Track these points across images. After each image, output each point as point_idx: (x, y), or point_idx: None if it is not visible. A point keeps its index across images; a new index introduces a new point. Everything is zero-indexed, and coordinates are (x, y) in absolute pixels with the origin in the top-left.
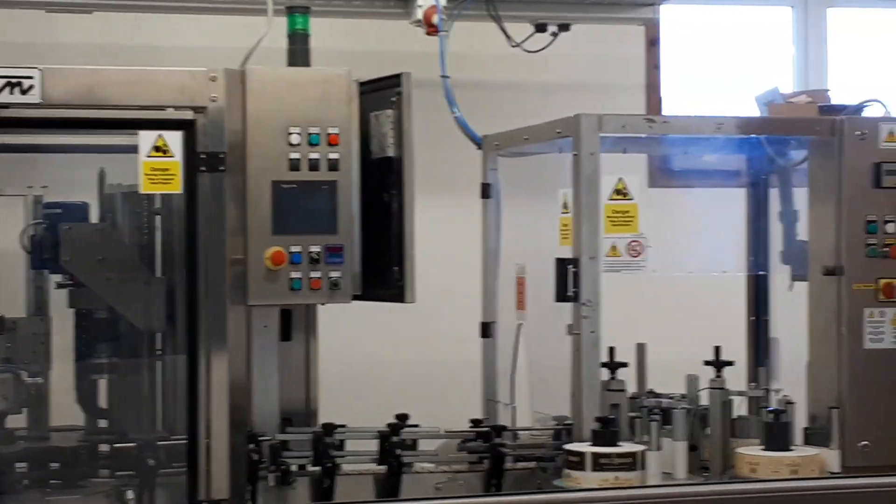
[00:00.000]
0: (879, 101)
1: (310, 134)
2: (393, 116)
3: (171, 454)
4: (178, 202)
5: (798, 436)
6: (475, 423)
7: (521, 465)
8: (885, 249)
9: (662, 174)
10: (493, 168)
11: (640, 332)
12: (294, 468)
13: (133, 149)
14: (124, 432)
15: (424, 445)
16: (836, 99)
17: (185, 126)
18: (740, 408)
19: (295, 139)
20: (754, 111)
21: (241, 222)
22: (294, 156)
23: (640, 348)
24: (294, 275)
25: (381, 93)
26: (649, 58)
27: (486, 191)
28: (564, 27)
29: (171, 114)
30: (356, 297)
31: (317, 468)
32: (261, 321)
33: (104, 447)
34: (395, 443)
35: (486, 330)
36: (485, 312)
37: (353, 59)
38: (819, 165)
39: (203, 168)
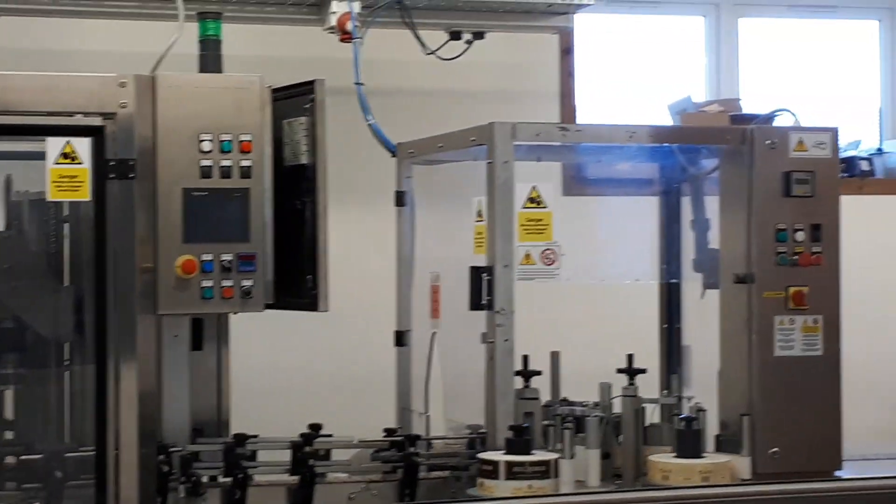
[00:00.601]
0: (789, 111)
1: (222, 141)
2: (306, 123)
3: (79, 466)
4: (86, 210)
5: (710, 443)
6: (389, 432)
7: (434, 474)
8: (794, 258)
9: (577, 182)
10: (407, 176)
11: (555, 340)
12: (205, 479)
13: (41, 155)
14: (31, 444)
15: (338, 455)
16: (747, 108)
17: (94, 132)
18: (653, 415)
19: (206, 146)
20: (667, 120)
21: (151, 230)
22: (205, 163)
23: (554, 356)
24: (205, 283)
25: (294, 100)
26: (563, 66)
27: (400, 199)
28: (479, 35)
29: (79, 120)
30: (269, 306)
31: (228, 479)
32: (171, 330)
33: (10, 459)
34: (307, 453)
35: (401, 338)
36: (399, 321)
37: (267, 65)
38: (730, 174)
39: (112, 175)
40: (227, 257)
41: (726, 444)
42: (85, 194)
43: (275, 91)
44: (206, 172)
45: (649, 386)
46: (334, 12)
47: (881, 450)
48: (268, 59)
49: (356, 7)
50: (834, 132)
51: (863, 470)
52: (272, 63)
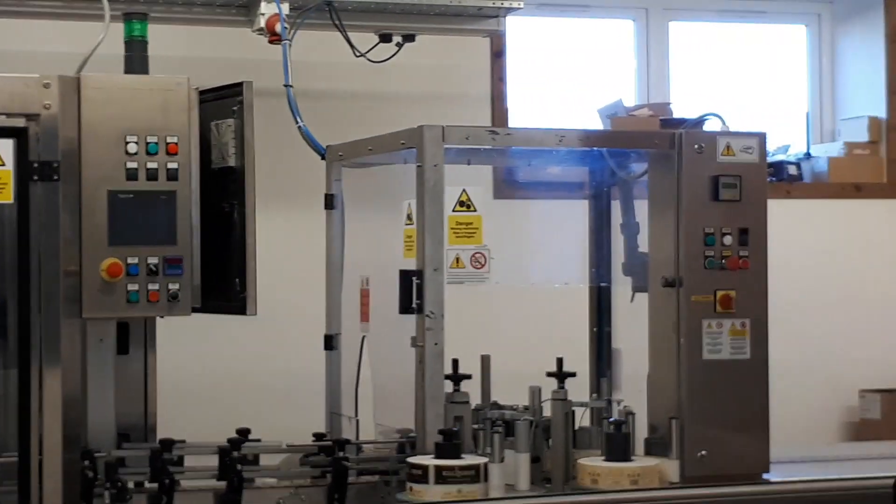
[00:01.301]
0: (718, 116)
1: (148, 143)
2: (234, 126)
3: (2, 471)
4: (10, 212)
5: (639, 446)
6: (318, 436)
7: (364, 478)
8: (722, 261)
9: (507, 186)
10: (337, 179)
11: (485, 343)
12: (130, 485)
13: None
14: None
15: (266, 460)
16: (678, 112)
17: (17, 134)
18: (583, 419)
19: (132, 148)
20: (598, 123)
21: (75, 233)
22: (131, 165)
23: (485, 360)
24: (131, 287)
25: (222, 101)
26: (494, 69)
27: (329, 202)
28: (409, 37)
29: (2, 121)
30: (196, 310)
31: (154, 485)
32: (97, 334)
33: None
34: (235, 458)
35: (330, 342)
36: (328, 325)
37: (195, 67)
38: (659, 178)
39: (36, 177)
40: (153, 260)
41: (655, 447)
42: (8, 196)
43: (202, 93)
44: (131, 175)
45: (580, 389)
46: (263, 14)
47: (808, 452)
48: (196, 60)
49: (285, 9)
50: (761, 137)
51: (790, 472)
52: (200, 64)
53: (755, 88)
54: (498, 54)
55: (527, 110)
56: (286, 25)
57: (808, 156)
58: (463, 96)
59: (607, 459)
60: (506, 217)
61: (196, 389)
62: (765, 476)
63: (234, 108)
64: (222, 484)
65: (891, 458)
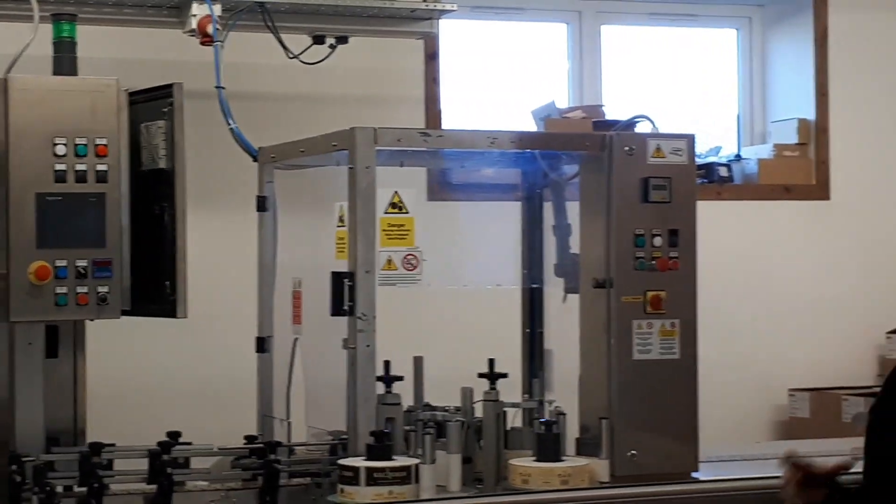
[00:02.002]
0: (648, 118)
1: (76, 145)
2: (164, 127)
3: None
4: None
5: (571, 446)
6: (249, 439)
7: (295, 480)
8: (652, 262)
9: (441, 188)
10: (269, 181)
11: (418, 345)
12: (59, 489)
13: None
14: None
15: (197, 463)
16: (611, 114)
17: None
18: (515, 420)
19: (61, 150)
20: (532, 125)
21: (2, 236)
22: (60, 167)
23: (417, 361)
24: (59, 290)
25: (152, 103)
26: (428, 71)
27: (261, 204)
28: (342, 39)
29: None
30: (126, 313)
31: (83, 489)
32: (24, 338)
33: None
34: (165, 461)
35: (262, 345)
36: (260, 327)
37: (127, 68)
38: (590, 180)
39: None
40: (82, 263)
41: (586, 447)
42: None
43: (132, 94)
44: (60, 177)
45: (512, 390)
46: (195, 15)
47: (737, 451)
48: (127, 62)
49: (217, 10)
50: (690, 139)
51: (719, 471)
52: (132, 66)
53: (687, 91)
54: (431, 56)
55: (461, 112)
56: (218, 27)
57: (738, 158)
58: (397, 98)
59: (538, 460)
60: (439, 219)
61: (127, 393)
62: (694, 475)
63: (165, 109)
64: (152, 487)
65: (819, 456)
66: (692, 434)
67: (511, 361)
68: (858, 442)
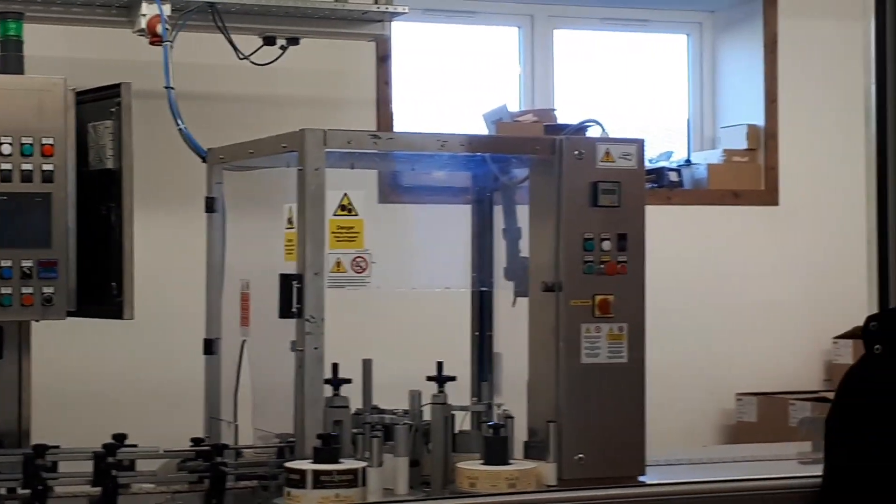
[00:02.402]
0: (598, 122)
1: (22, 144)
2: (112, 127)
3: None
4: None
5: (519, 450)
6: (196, 441)
7: (242, 483)
8: (601, 266)
9: (393, 190)
10: (218, 182)
11: (367, 348)
12: (3, 491)
13: None
14: None
15: (144, 466)
16: (563, 118)
17: None
18: (464, 423)
19: (6, 149)
20: (483, 129)
21: None
22: (5, 166)
23: (366, 364)
24: (4, 290)
25: (100, 103)
26: (380, 74)
27: (210, 205)
28: (293, 41)
29: None
30: (71, 314)
31: (27, 491)
32: None
33: None
34: (110, 463)
35: (209, 347)
36: (208, 329)
37: (75, 67)
38: (539, 184)
39: None
40: (27, 263)
41: (534, 450)
42: None
43: (80, 94)
44: (5, 176)
45: (461, 393)
46: (144, 14)
47: (684, 455)
48: (76, 61)
49: (167, 10)
50: (640, 143)
51: (665, 475)
52: (80, 65)
53: (639, 96)
54: (383, 59)
55: (414, 115)
56: (167, 27)
57: (688, 163)
58: (348, 100)
59: (486, 463)
60: (389, 221)
61: (72, 394)
62: (640, 478)
63: (112, 109)
64: (97, 490)
65: (765, 460)
66: (639, 438)
67: (460, 364)
68: (804, 447)
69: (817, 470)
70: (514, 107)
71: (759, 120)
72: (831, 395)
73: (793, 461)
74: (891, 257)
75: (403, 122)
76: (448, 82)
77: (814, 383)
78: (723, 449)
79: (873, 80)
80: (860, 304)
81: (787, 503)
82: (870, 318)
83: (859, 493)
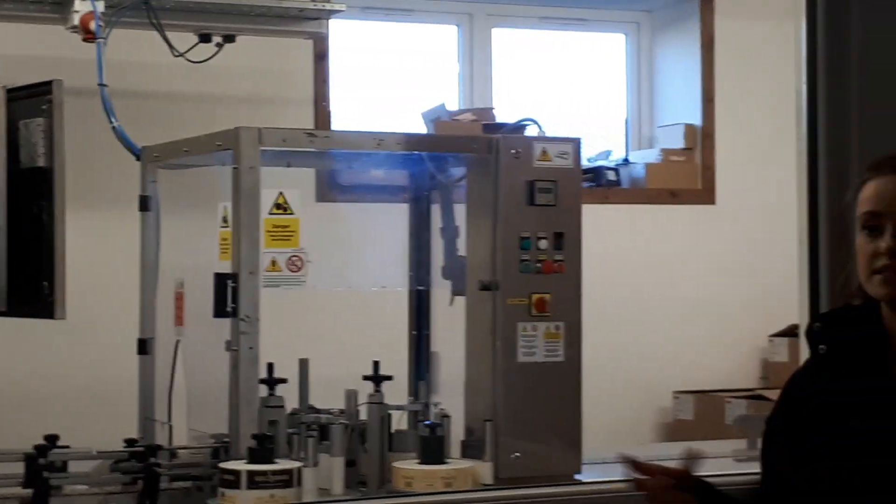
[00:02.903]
0: (534, 121)
1: None
2: (43, 125)
3: None
4: None
5: (457, 449)
6: (129, 442)
7: (177, 484)
8: (538, 265)
9: (331, 189)
10: (152, 180)
11: (304, 347)
12: None
13: None
14: None
15: (77, 467)
16: (501, 117)
17: None
18: (401, 422)
19: None
20: (422, 127)
21: None
22: None
23: (303, 364)
24: None
25: (31, 100)
26: (318, 72)
27: (144, 203)
28: (229, 38)
29: None
30: (2, 314)
31: None
32: None
33: None
34: (42, 465)
35: (144, 346)
36: (142, 328)
37: (7, 64)
38: (476, 182)
39: None
40: None
41: (471, 449)
42: None
43: (10, 91)
44: None
45: (399, 393)
46: (77, 11)
47: (620, 453)
48: (7, 57)
49: (100, 6)
50: (576, 142)
51: (601, 473)
52: (12, 62)
53: (578, 95)
54: (321, 57)
55: (352, 114)
56: (101, 23)
57: (626, 162)
58: (286, 99)
59: (422, 462)
60: (327, 220)
61: (3, 395)
62: (577, 477)
63: (44, 106)
64: (28, 492)
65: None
66: (576, 436)
67: (398, 364)
68: (740, 444)
69: (752, 467)
70: (452, 105)
71: (696, 119)
72: (767, 393)
73: (728, 459)
74: (821, 257)
75: (342, 120)
76: (387, 81)
77: (750, 381)
78: (659, 447)
79: (804, 80)
80: (795, 303)
81: None
82: (814, 319)
83: (802, 494)
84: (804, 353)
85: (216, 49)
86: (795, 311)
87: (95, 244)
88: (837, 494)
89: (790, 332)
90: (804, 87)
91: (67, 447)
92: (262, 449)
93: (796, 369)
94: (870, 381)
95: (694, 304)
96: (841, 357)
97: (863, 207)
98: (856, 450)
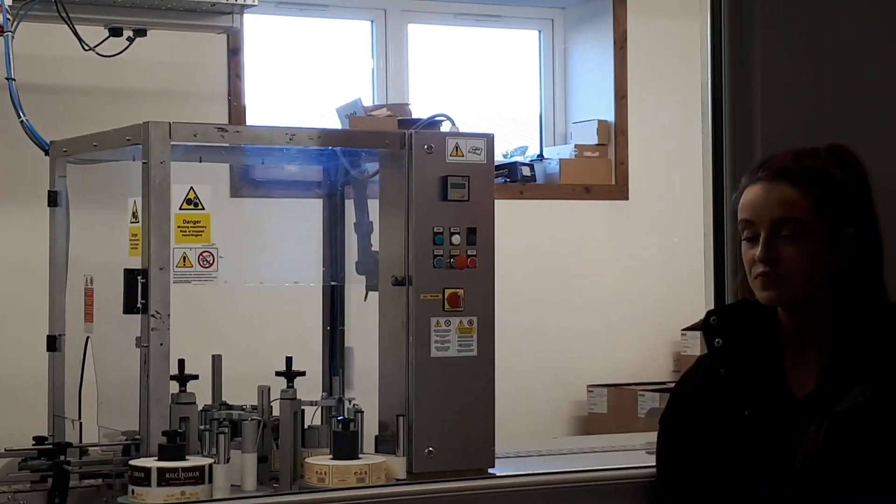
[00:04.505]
0: (447, 117)
1: None
2: None
3: None
4: None
5: (371, 444)
6: (38, 440)
7: (86, 482)
8: (451, 260)
9: (245, 184)
10: (61, 175)
11: (218, 343)
12: None
13: None
14: None
15: None
16: (417, 113)
17: None
18: (315, 418)
19: None
20: (337, 123)
21: None
22: None
23: (216, 360)
24: None
25: None
26: (231, 67)
27: (53, 198)
28: (140, 32)
29: None
30: None
31: None
32: None
33: None
34: None
35: (53, 343)
36: (51, 325)
37: None
38: (390, 178)
39: None
40: None
41: (385, 444)
42: None
43: None
44: None
45: (313, 388)
46: None
47: (533, 447)
48: None
49: None
50: (489, 138)
51: (515, 467)
52: None
53: (492, 91)
54: (235, 51)
55: (267, 109)
56: (9, 17)
57: (540, 157)
58: (199, 94)
59: (335, 458)
60: (240, 215)
61: None
62: (491, 471)
63: None
64: None
65: (614, 451)
66: (489, 430)
67: (312, 359)
68: (652, 436)
69: None
70: (368, 101)
71: (610, 116)
72: None
73: (640, 451)
74: (727, 252)
75: (256, 116)
76: (302, 76)
77: (663, 374)
78: (573, 440)
79: (709, 76)
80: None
81: (634, 492)
82: (709, 313)
83: (699, 487)
84: None
85: (127, 43)
86: (704, 305)
87: (3, 239)
88: (734, 485)
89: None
90: (709, 84)
91: None
92: (173, 446)
93: (686, 370)
94: (763, 373)
95: (607, 298)
96: (736, 350)
97: (740, 215)
98: (749, 440)
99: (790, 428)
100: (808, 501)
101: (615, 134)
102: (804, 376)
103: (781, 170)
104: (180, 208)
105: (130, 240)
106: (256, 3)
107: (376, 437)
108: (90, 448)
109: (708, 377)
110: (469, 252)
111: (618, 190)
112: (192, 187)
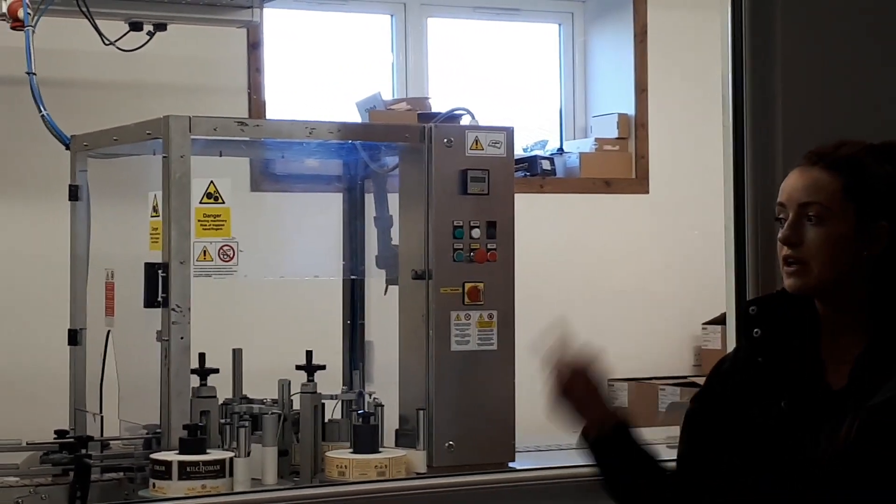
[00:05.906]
0: (467, 110)
1: None
2: None
3: None
4: None
5: (391, 438)
6: (60, 434)
7: (108, 475)
8: (470, 254)
9: (265, 178)
10: (82, 169)
11: (238, 337)
12: None
13: None
14: None
15: (6, 459)
16: (437, 107)
17: None
18: (336, 412)
19: None
20: (357, 117)
21: None
22: None
23: (236, 353)
24: None
25: None
26: (252, 61)
27: (74, 193)
28: (161, 27)
29: None
30: None
31: None
32: None
33: None
34: None
35: (74, 337)
36: (73, 319)
37: None
38: (409, 172)
39: None
40: None
41: (405, 438)
42: None
43: None
44: None
45: (333, 382)
46: None
47: (553, 441)
48: None
49: None
50: (509, 131)
51: (535, 461)
52: None
53: (512, 85)
54: (255, 45)
55: (287, 103)
56: (29, 11)
57: (560, 151)
58: (219, 88)
59: (355, 451)
60: (260, 209)
61: None
62: (510, 465)
63: None
64: None
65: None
66: (509, 424)
67: (332, 353)
68: (673, 431)
69: None
70: (387, 95)
71: (630, 109)
72: (700, 381)
73: (661, 445)
74: (748, 245)
75: (276, 110)
76: (321, 70)
77: (684, 369)
78: None
79: (730, 69)
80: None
81: None
82: (749, 303)
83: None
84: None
85: (147, 37)
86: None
87: (25, 234)
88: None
89: (723, 319)
90: (730, 77)
91: None
92: (194, 439)
93: (724, 355)
94: (801, 365)
95: (627, 292)
96: (775, 340)
97: (778, 198)
98: (783, 432)
99: (824, 420)
100: (835, 496)
101: (635, 127)
102: (843, 369)
103: (818, 155)
104: (200, 202)
105: (151, 234)
106: None
107: (396, 430)
108: (111, 442)
109: (746, 364)
110: (489, 246)
111: (638, 184)
112: (212, 181)
